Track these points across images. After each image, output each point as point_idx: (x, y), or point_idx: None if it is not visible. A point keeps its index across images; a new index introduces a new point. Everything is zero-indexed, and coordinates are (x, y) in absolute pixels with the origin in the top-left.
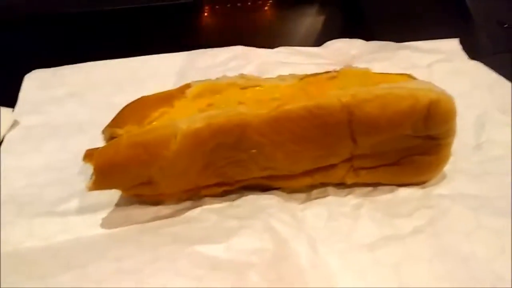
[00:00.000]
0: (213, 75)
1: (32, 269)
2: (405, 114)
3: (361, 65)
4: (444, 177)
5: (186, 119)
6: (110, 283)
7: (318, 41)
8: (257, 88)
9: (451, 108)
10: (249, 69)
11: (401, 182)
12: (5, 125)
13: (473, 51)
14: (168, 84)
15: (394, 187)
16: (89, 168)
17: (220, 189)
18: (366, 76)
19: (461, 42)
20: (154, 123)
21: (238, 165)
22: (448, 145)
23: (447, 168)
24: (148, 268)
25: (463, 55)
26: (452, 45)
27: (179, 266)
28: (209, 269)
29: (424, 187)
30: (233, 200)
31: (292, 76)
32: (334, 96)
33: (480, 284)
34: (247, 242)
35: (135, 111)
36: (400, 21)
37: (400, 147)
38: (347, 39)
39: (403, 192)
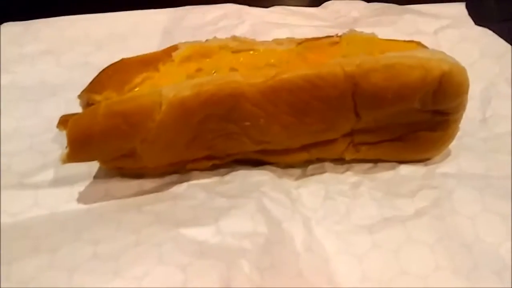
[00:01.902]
0: (202, 35)
1: None
2: (414, 87)
3: (363, 29)
4: (448, 154)
5: (172, 86)
6: (83, 271)
7: (315, 1)
8: (251, 52)
9: (463, 81)
10: (242, 30)
11: (403, 159)
12: None
13: (479, 17)
14: (152, 44)
15: (395, 164)
16: (65, 135)
17: (209, 163)
18: (371, 42)
19: (467, 7)
20: (136, 89)
21: (229, 138)
22: (457, 120)
23: (452, 143)
24: (127, 253)
25: (469, 21)
26: (458, 10)
27: (162, 252)
28: (196, 256)
29: (427, 165)
30: (223, 175)
31: (289, 40)
32: (337, 64)
33: (484, 271)
34: (238, 224)
35: (115, 75)
36: None
37: (405, 122)
38: (347, 1)
39: (405, 169)
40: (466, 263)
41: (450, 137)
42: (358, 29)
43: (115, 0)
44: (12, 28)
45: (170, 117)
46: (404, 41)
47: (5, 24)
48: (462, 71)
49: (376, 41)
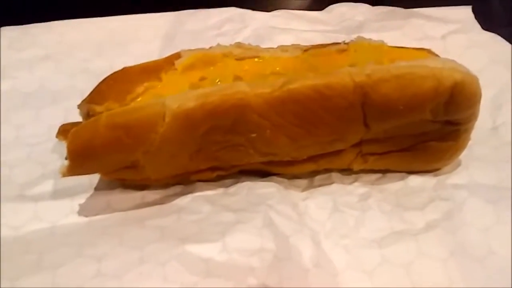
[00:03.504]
0: (204, 39)
1: None
2: (426, 97)
3: (369, 33)
4: (458, 164)
5: (175, 97)
6: None
7: (317, 4)
8: (256, 59)
9: (476, 91)
10: (245, 35)
11: (413, 169)
12: None
13: (485, 21)
14: (153, 49)
15: (404, 174)
16: (65, 145)
17: (213, 174)
18: (380, 50)
19: (473, 11)
20: (139, 99)
21: (234, 149)
22: (468, 130)
23: (462, 153)
24: (132, 271)
25: (477, 26)
26: (465, 13)
27: (168, 271)
28: (202, 274)
29: (437, 175)
30: (228, 187)
31: (295, 46)
32: (346, 74)
33: (497, 286)
34: (245, 240)
35: (116, 84)
36: None
37: (416, 132)
38: (352, 3)
39: (415, 180)
40: (479, 278)
41: (461, 147)
42: (364, 34)
43: (115, 3)
44: (9, 32)
45: (174, 129)
46: (414, 48)
47: (2, 28)
48: (475, 80)
49: (385, 49)
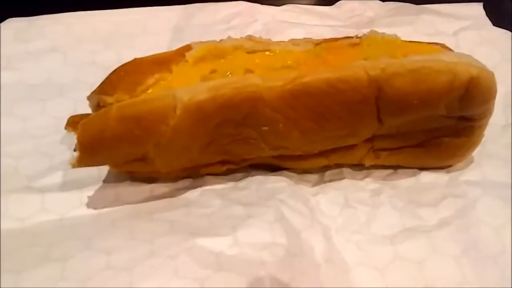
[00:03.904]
0: (214, 33)
1: (4, 259)
2: (441, 92)
3: (380, 29)
4: (471, 160)
5: (186, 89)
6: (97, 282)
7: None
8: (267, 53)
9: (491, 86)
10: (255, 29)
11: (425, 165)
12: None
13: (496, 18)
14: (162, 42)
15: (416, 170)
16: (73, 137)
17: (223, 167)
18: (394, 44)
19: (484, 7)
20: (149, 91)
21: (245, 143)
22: (482, 126)
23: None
24: (141, 265)
25: (488, 23)
26: (477, 10)
27: (178, 264)
28: (213, 268)
29: (449, 172)
30: (238, 181)
31: (306, 40)
32: (360, 68)
33: (510, 284)
34: (256, 234)
35: (127, 76)
36: None
37: (429, 128)
38: None
39: (427, 177)
40: (492, 276)
41: (475, 144)
42: (375, 29)
43: None
44: (16, 24)
45: (185, 121)
46: (428, 43)
47: (9, 19)
48: (491, 76)
49: (398, 43)
